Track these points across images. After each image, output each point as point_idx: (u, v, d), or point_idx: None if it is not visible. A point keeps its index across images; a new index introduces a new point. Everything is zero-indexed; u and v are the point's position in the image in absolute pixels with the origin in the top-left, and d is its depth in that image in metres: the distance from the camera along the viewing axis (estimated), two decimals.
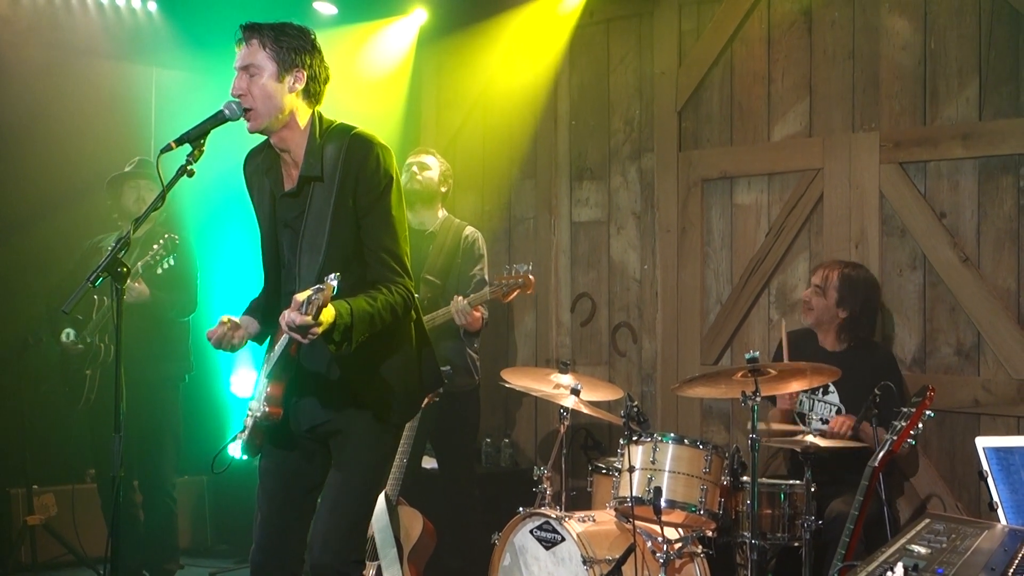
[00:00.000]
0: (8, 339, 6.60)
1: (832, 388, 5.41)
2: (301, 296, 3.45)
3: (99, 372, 6.00)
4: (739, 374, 4.91)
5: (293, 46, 3.80)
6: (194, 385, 6.49)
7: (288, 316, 3.47)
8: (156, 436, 6.14)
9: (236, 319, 3.99)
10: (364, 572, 5.29)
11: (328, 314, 3.51)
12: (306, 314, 3.42)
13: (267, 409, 3.82)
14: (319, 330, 3.49)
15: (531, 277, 5.78)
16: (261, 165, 4.01)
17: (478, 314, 5.95)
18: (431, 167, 6.26)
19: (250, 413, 3.95)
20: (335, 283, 3.44)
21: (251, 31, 3.78)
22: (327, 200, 3.81)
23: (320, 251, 3.81)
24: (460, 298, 5.89)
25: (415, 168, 6.25)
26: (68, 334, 6.11)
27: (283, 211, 3.94)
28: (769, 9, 6.28)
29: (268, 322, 4.02)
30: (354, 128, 3.90)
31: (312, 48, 3.86)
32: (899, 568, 2.64)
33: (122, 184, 6.22)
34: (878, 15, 5.84)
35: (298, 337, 3.51)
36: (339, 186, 3.80)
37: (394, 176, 3.86)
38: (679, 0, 6.65)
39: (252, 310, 4.10)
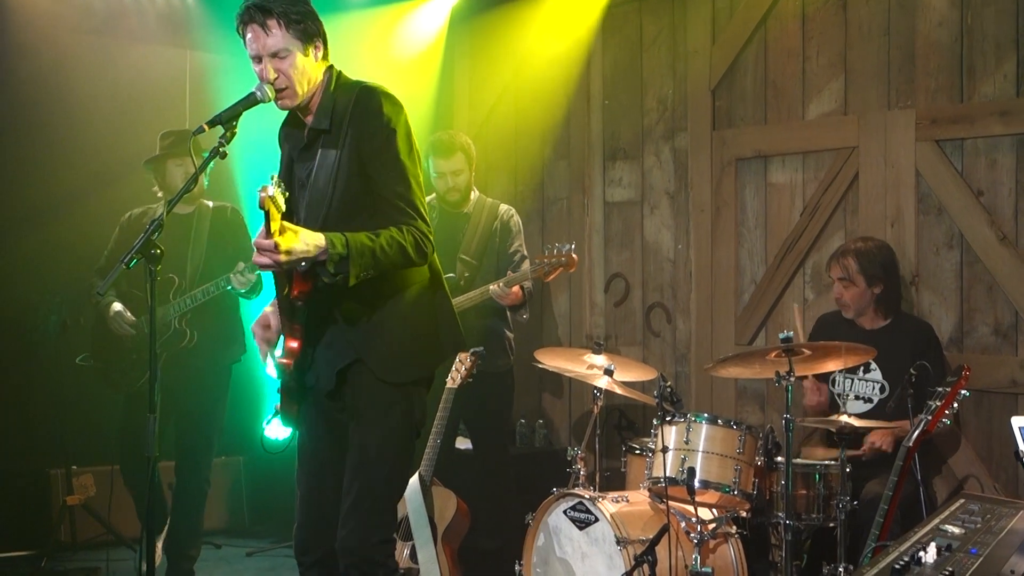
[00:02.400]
0: (46, 321, 6.65)
1: (874, 366, 5.36)
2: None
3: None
4: (773, 354, 4.89)
5: (305, 15, 3.78)
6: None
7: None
8: (202, 421, 6.13)
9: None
10: (397, 552, 5.34)
11: (288, 237, 3.49)
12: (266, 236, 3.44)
13: (281, 360, 3.82)
14: (277, 239, 3.46)
15: (574, 256, 5.78)
16: (288, 129, 4.04)
17: (516, 289, 5.95)
18: (461, 169, 6.20)
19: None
20: (271, 185, 3.39)
21: (264, 12, 3.73)
22: (334, 152, 3.82)
23: (325, 202, 3.81)
24: (498, 284, 5.90)
25: (449, 179, 6.21)
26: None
27: (300, 170, 3.96)
28: None
29: None
30: (364, 82, 3.91)
31: (314, 10, 3.86)
32: (932, 548, 2.62)
33: (164, 163, 6.19)
34: None
35: (266, 260, 3.51)
36: (345, 137, 3.80)
37: (402, 123, 3.82)
38: None
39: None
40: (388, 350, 3.86)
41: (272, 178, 3.43)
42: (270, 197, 3.39)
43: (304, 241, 3.54)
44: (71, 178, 6.97)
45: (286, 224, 3.52)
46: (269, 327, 4.01)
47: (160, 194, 6.19)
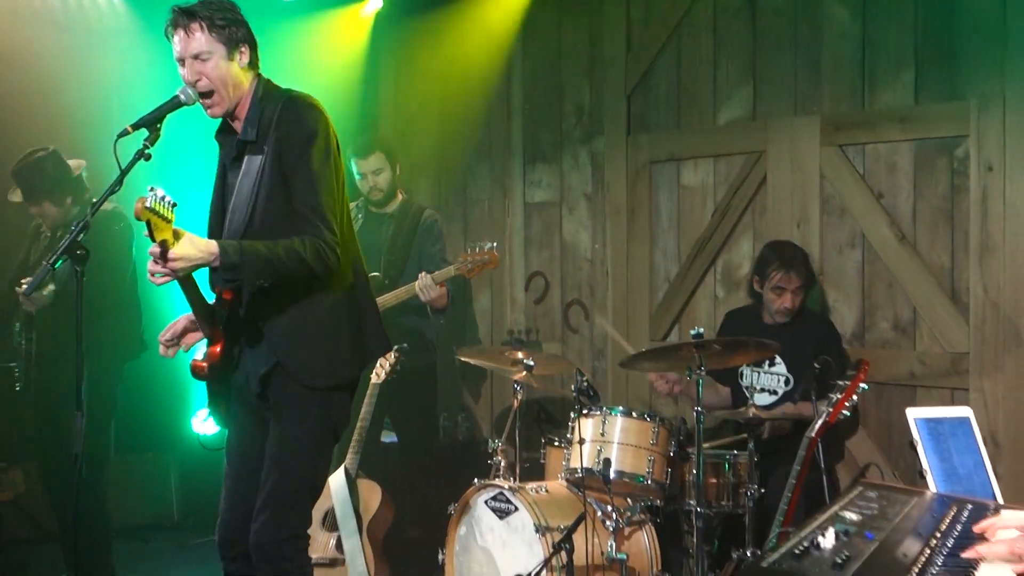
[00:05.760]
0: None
1: (779, 360, 5.56)
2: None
3: (25, 364, 5.93)
4: (684, 349, 5.04)
5: (231, 21, 3.85)
6: (156, 360, 6.40)
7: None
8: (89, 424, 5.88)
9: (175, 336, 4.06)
10: (324, 542, 5.48)
11: (182, 245, 3.51)
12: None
13: (197, 363, 3.86)
14: (159, 250, 3.47)
15: (496, 253, 5.90)
16: (222, 137, 4.10)
17: (443, 289, 6.06)
18: (381, 167, 6.34)
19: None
20: (148, 196, 3.38)
21: (188, 16, 3.81)
22: (259, 161, 3.87)
23: (247, 212, 3.86)
24: (425, 274, 5.96)
25: (370, 178, 6.33)
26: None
27: (231, 179, 4.00)
28: None
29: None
30: (291, 91, 3.97)
31: (243, 19, 3.92)
32: (830, 533, 2.67)
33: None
34: (819, 3, 5.96)
35: (159, 269, 3.52)
36: (271, 147, 3.85)
37: (320, 133, 3.84)
38: None
39: None
40: (307, 355, 3.91)
41: (149, 189, 3.41)
42: (147, 208, 3.38)
43: (197, 248, 3.57)
44: None
45: (180, 230, 3.54)
46: (177, 333, 4.05)
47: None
